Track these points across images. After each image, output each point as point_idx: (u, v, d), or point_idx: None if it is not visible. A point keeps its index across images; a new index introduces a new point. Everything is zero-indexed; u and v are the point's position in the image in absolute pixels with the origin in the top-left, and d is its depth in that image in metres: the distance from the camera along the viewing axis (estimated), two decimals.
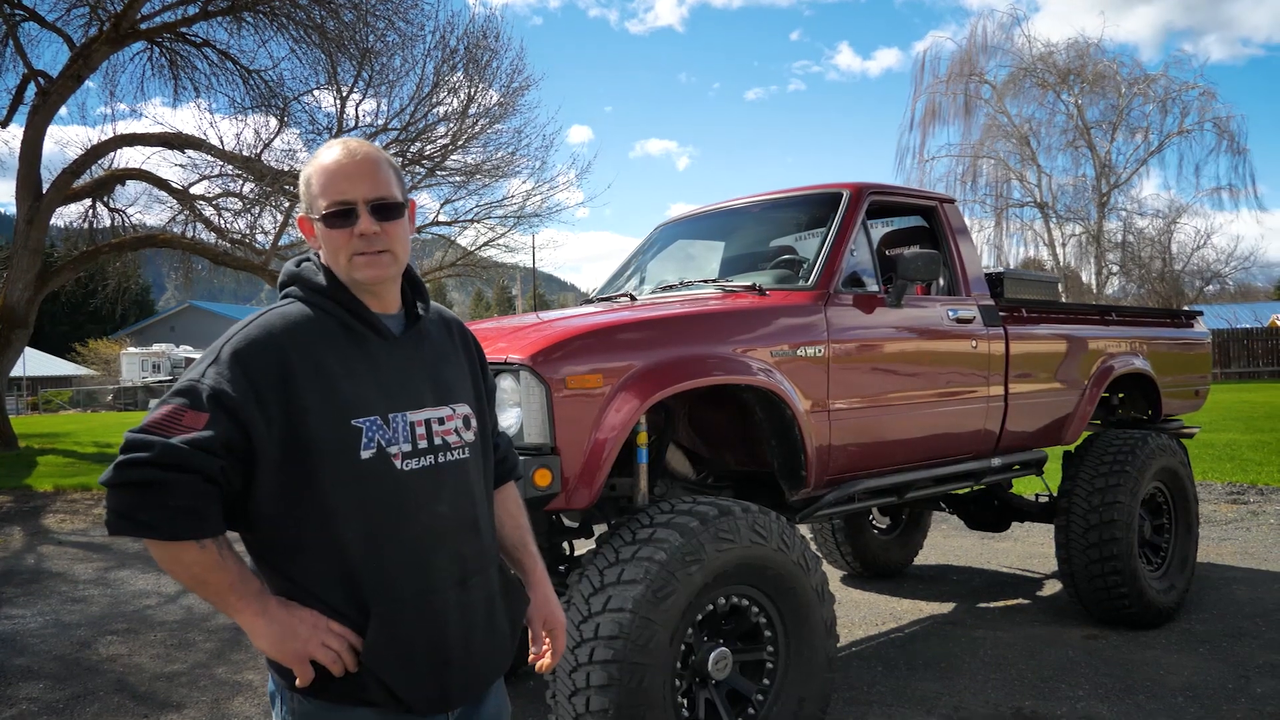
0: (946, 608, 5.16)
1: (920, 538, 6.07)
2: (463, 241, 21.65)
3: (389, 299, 1.54)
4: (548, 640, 1.69)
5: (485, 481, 1.62)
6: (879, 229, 4.56)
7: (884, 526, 5.96)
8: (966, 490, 4.96)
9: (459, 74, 17.24)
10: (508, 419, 2.77)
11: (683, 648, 2.75)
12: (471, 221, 20.15)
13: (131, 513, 1.30)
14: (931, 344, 3.86)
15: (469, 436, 1.56)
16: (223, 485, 1.35)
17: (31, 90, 14.77)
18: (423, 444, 1.48)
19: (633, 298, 3.97)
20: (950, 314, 3.94)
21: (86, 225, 16.95)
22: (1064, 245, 32.09)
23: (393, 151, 17.23)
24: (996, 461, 4.22)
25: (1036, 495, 5.09)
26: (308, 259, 1.56)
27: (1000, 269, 4.64)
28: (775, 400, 3.19)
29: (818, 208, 3.88)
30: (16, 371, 30.74)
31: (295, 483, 1.39)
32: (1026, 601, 5.24)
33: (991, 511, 5.13)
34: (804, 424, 3.23)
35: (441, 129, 17.62)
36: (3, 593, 5.98)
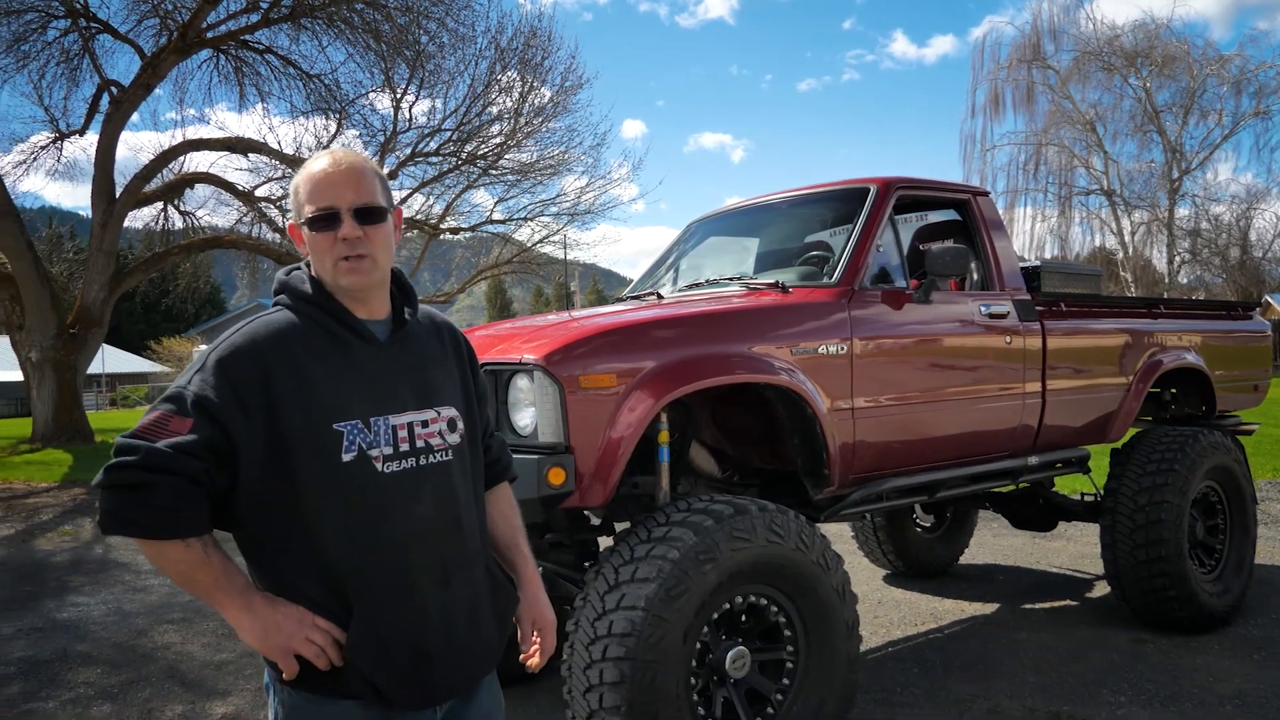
0: (989, 608, 5.06)
1: (966, 537, 5.95)
2: (519, 237, 21.90)
3: (376, 304, 1.58)
4: (537, 639, 1.72)
5: (473, 482, 1.65)
6: (914, 223, 4.48)
7: (928, 525, 5.85)
8: (1009, 489, 4.85)
9: (512, 72, 17.43)
10: (523, 418, 2.81)
11: (698, 646, 2.76)
12: (525, 220, 20.38)
13: (120, 512, 1.37)
14: (962, 340, 3.78)
15: (453, 439, 1.59)
16: (206, 486, 1.40)
17: (106, 99, 15.43)
18: (404, 447, 1.51)
19: (660, 296, 3.98)
20: (983, 309, 3.85)
21: (160, 227, 17.62)
22: (1133, 234, 30.93)
23: (448, 151, 17.51)
24: (1034, 460, 4.12)
25: (1082, 494, 4.95)
26: (298, 268, 1.61)
27: (1037, 262, 4.52)
28: (796, 399, 3.17)
29: (845, 203, 3.83)
30: (96, 368, 32.12)
31: (279, 483, 1.44)
32: (1073, 603, 5.10)
33: (1036, 510, 5.01)
34: (825, 423, 3.19)
35: (495, 128, 17.84)
36: (70, 581, 6.28)
